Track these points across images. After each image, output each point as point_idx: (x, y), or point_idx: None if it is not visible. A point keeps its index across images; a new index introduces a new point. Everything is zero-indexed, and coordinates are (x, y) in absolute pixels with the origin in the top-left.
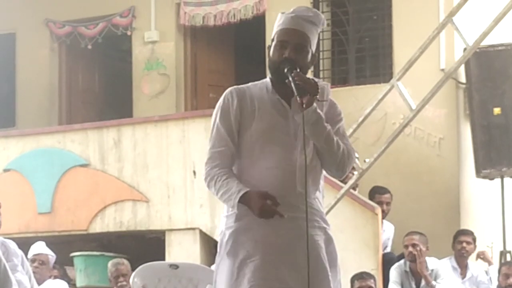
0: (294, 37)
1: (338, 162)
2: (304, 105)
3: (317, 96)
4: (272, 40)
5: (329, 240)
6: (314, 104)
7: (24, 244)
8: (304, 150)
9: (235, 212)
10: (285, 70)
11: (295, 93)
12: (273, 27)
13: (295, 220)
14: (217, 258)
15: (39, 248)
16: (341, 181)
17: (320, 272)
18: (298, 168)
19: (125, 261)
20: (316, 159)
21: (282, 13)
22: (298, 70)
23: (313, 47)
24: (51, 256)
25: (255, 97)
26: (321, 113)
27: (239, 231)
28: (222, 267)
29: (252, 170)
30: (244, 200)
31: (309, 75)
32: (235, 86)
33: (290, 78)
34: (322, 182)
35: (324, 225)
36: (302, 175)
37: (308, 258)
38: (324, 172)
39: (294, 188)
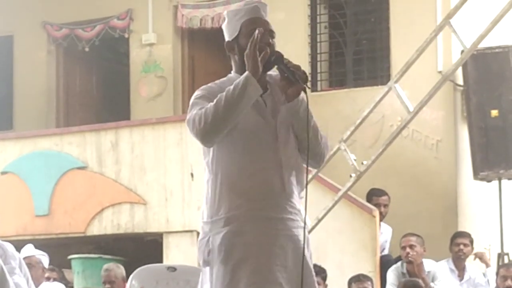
0: (265, 25)
1: (321, 153)
2: (289, 93)
3: (308, 84)
4: (237, 34)
5: (308, 240)
6: (302, 93)
7: (22, 247)
8: (307, 140)
9: (223, 217)
10: (272, 58)
11: (293, 80)
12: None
13: (283, 221)
14: (204, 263)
15: (26, 251)
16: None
17: (308, 275)
18: (284, 167)
19: (114, 267)
20: (299, 157)
21: (231, 10)
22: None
23: None
24: (41, 255)
25: None
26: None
27: (231, 234)
28: (217, 271)
29: (239, 172)
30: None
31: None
32: (205, 87)
33: (282, 66)
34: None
35: (303, 225)
36: (288, 174)
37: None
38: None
39: (280, 188)
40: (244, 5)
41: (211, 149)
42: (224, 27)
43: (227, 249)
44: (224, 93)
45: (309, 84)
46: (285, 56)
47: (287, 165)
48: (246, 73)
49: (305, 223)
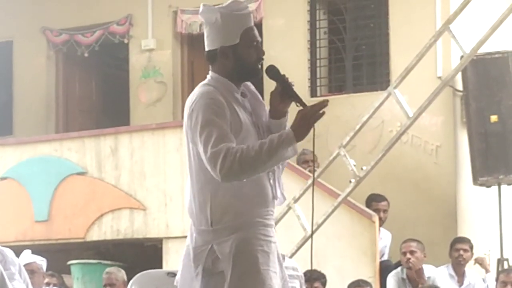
0: (257, 35)
1: None
2: (281, 109)
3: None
4: (236, 42)
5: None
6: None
7: (21, 252)
8: (313, 154)
9: (229, 225)
10: (274, 72)
11: (297, 99)
12: (229, 32)
13: (271, 228)
14: (205, 271)
15: (26, 257)
16: None
17: (287, 279)
18: (274, 174)
19: (115, 270)
20: None
21: (221, 10)
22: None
23: None
24: (41, 261)
25: (230, 102)
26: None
27: (239, 242)
28: (228, 279)
29: (243, 182)
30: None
31: (306, 82)
32: (212, 89)
33: (282, 81)
34: None
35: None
36: (277, 180)
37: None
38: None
39: (272, 195)
40: (237, 10)
41: None
42: (214, 27)
43: (235, 257)
44: (265, 147)
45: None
46: (284, 62)
47: (274, 172)
48: (292, 134)
49: (312, 232)
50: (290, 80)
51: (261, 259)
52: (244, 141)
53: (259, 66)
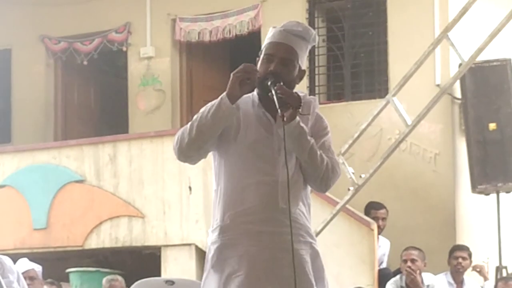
0: (281, 51)
1: (322, 176)
2: (285, 118)
3: (300, 110)
4: (260, 53)
5: (315, 254)
6: (297, 118)
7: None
8: (286, 165)
9: (219, 225)
10: (269, 83)
11: (277, 106)
12: None
13: (280, 235)
14: (204, 273)
15: (24, 265)
16: None
17: (306, 287)
18: (280, 183)
19: (119, 277)
20: (298, 173)
21: (274, 27)
22: (282, 83)
23: (302, 63)
24: (37, 267)
25: (242, 109)
26: (304, 127)
27: (223, 246)
28: (208, 282)
29: (236, 184)
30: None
31: (305, 90)
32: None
33: (273, 91)
34: (308, 196)
35: (310, 240)
36: (284, 190)
37: (294, 272)
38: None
39: (278, 202)
40: (280, 26)
41: (215, 160)
42: None
43: (219, 261)
44: (199, 113)
45: (301, 110)
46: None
47: (286, 180)
48: (223, 94)
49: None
50: (285, 90)
51: (247, 264)
52: (243, 146)
53: (267, 83)
